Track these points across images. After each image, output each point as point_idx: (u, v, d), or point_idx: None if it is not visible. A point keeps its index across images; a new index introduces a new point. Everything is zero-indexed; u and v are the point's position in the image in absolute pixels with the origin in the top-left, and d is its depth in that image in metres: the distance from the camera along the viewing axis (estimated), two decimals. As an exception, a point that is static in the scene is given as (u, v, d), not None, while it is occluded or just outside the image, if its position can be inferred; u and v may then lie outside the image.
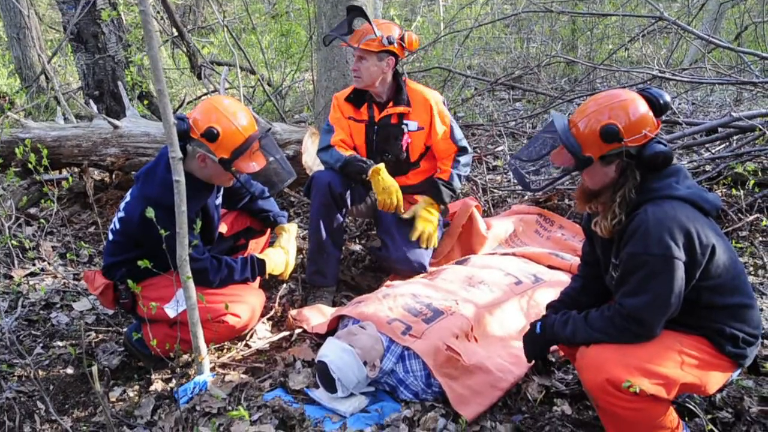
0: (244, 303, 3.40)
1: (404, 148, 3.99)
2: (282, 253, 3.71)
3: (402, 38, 3.79)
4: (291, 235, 3.85)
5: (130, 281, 2.93)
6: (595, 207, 2.54)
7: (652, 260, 2.26)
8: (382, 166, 3.84)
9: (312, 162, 4.80)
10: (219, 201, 3.53)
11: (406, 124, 3.94)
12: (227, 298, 3.30)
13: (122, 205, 3.33)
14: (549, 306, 2.91)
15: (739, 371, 2.50)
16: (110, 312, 3.93)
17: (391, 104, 3.93)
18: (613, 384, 2.31)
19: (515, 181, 2.66)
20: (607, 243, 2.54)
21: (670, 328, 2.39)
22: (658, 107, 2.40)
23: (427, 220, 3.92)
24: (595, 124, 2.35)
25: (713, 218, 2.42)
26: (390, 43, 3.74)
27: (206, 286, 3.24)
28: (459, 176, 4.03)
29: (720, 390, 2.79)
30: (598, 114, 2.36)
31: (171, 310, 3.22)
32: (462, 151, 4.06)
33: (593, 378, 2.39)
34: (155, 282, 3.15)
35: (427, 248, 3.97)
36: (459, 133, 4.06)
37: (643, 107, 2.37)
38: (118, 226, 3.31)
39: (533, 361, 2.91)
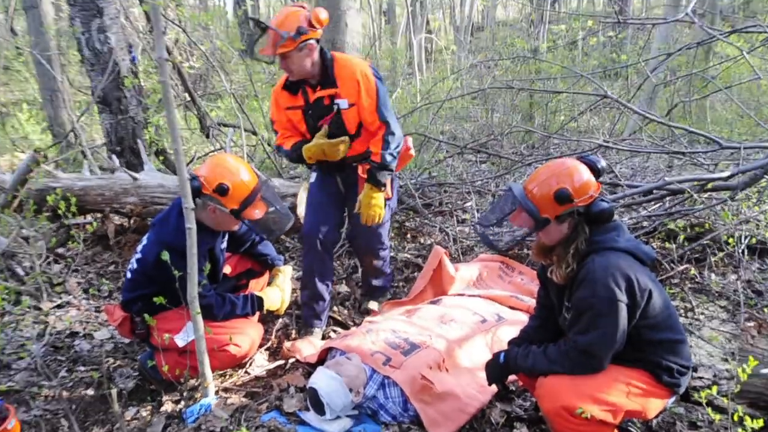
0: (245, 335, 3.42)
1: (338, 125, 3.67)
2: (278, 291, 3.73)
3: (310, 22, 3.40)
4: (286, 276, 3.87)
5: (146, 315, 2.97)
6: (550, 259, 2.62)
7: (599, 303, 2.34)
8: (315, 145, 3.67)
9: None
10: (224, 245, 3.55)
11: (338, 104, 3.61)
12: (230, 330, 3.32)
13: (139, 247, 3.35)
14: (511, 342, 2.94)
15: (673, 398, 2.57)
16: (127, 341, 3.91)
17: (319, 88, 3.60)
18: (568, 410, 2.39)
19: (483, 244, 2.77)
20: (561, 289, 2.61)
21: (616, 362, 2.45)
22: (596, 170, 2.52)
23: (368, 205, 3.72)
24: (549, 190, 2.44)
25: (649, 267, 2.51)
26: (302, 33, 3.38)
27: (211, 319, 3.25)
28: (391, 155, 3.67)
29: (657, 416, 2.83)
30: (550, 180, 2.47)
31: (181, 341, 3.22)
32: (387, 128, 3.64)
33: (550, 405, 2.45)
34: (167, 315, 3.17)
35: (375, 226, 3.86)
36: (386, 107, 3.64)
37: (585, 172, 2.49)
38: (135, 265, 3.32)
39: (493, 385, 2.93)
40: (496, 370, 2.83)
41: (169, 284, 2.95)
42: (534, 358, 2.58)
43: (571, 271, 2.48)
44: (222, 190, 3.13)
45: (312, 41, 3.45)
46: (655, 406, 2.50)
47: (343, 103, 3.59)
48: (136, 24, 8.36)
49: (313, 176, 3.98)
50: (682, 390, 2.55)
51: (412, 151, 3.98)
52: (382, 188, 3.73)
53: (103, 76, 6.44)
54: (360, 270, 4.54)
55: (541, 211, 2.46)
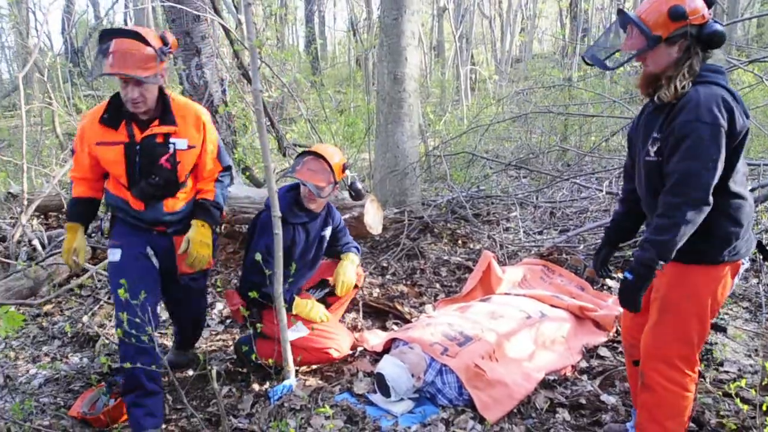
0: (344, 341, 3.47)
1: (171, 167, 2.81)
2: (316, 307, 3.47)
3: (168, 44, 2.70)
4: (347, 262, 3.60)
5: (241, 308, 3.00)
6: (656, 87, 2.21)
7: (702, 126, 1.99)
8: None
9: (372, 221, 4.86)
10: (325, 234, 3.51)
11: (174, 143, 2.78)
12: (332, 334, 3.41)
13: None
14: (607, 228, 2.65)
15: (744, 267, 2.27)
16: (220, 329, 3.99)
17: (156, 123, 2.76)
18: (668, 362, 2.23)
19: (594, 64, 2.31)
20: (650, 122, 2.23)
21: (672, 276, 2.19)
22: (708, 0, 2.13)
23: (199, 243, 2.87)
24: (663, 7, 2.08)
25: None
26: (165, 54, 2.66)
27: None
28: (224, 196, 3.04)
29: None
30: (661, 2, 2.11)
31: (291, 334, 3.25)
32: (227, 170, 3.05)
33: (651, 359, 2.28)
34: None
35: (202, 281, 3.17)
36: (224, 151, 3.03)
37: None
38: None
39: (541, 373, 2.68)
40: (631, 291, 2.17)
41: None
42: (649, 245, 2.08)
43: (684, 87, 2.09)
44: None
45: (166, 66, 2.74)
46: (729, 286, 2.23)
47: (180, 143, 2.80)
48: (225, 61, 8.55)
49: (116, 254, 2.89)
50: (746, 255, 2.20)
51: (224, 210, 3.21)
52: (214, 227, 2.97)
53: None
54: (178, 336, 3.50)
55: (653, 29, 2.09)
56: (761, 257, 2.32)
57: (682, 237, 2.02)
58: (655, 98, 2.19)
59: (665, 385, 2.25)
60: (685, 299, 2.21)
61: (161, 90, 2.77)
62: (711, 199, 2.01)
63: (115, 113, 2.74)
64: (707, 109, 1.99)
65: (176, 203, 2.89)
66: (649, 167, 2.20)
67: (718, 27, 2.07)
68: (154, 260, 2.94)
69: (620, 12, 2.24)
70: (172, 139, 2.79)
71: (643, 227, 2.59)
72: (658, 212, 2.06)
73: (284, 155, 7.90)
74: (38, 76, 9.35)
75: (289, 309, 3.27)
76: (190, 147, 2.83)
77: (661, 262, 2.06)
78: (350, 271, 3.57)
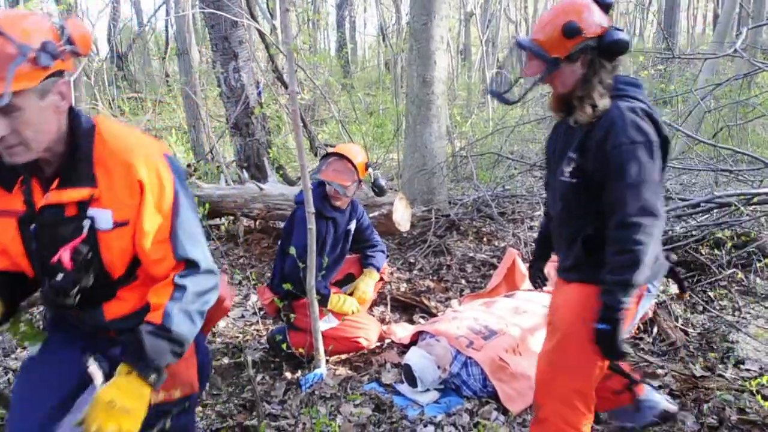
0: (372, 330, 3.49)
1: (77, 265, 1.50)
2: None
3: (69, 38, 1.37)
4: (369, 279, 3.60)
5: (276, 299, 3.04)
6: (569, 107, 1.97)
7: (638, 147, 1.77)
8: None
9: (400, 218, 4.86)
10: (350, 227, 3.52)
11: (91, 219, 1.49)
12: (361, 324, 3.44)
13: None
14: (536, 241, 2.55)
15: (651, 296, 2.02)
16: (253, 320, 4.03)
17: (57, 182, 1.48)
18: (564, 401, 1.98)
19: (497, 100, 2.09)
20: (567, 139, 1.99)
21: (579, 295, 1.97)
22: (603, 5, 1.91)
23: (114, 410, 1.39)
24: (556, 27, 1.88)
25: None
26: (55, 57, 1.32)
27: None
28: (187, 314, 1.53)
29: (707, 401, 2.69)
30: (555, 19, 1.90)
31: (322, 325, 3.27)
32: (191, 266, 1.58)
33: (547, 394, 2.06)
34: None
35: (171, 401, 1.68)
36: (191, 231, 1.59)
37: (592, 5, 1.90)
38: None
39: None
40: (609, 342, 1.81)
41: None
42: (615, 287, 1.78)
43: (604, 105, 1.85)
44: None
45: (66, 77, 1.43)
46: (632, 312, 1.92)
47: (102, 217, 1.51)
48: (260, 65, 8.66)
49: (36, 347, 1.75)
50: (654, 279, 1.94)
51: (228, 302, 1.94)
52: (150, 378, 1.47)
53: (236, 107, 6.72)
54: None
55: (550, 52, 1.89)
56: (674, 283, 2.10)
57: (644, 268, 1.78)
58: (571, 122, 1.95)
59: (561, 426, 1.98)
60: (581, 322, 1.90)
61: (74, 119, 1.50)
62: (662, 212, 1.79)
63: (10, 166, 1.46)
64: (635, 127, 1.79)
65: (122, 306, 1.66)
66: (564, 188, 1.98)
67: (620, 34, 1.87)
68: (98, 375, 1.52)
69: (516, 42, 2.03)
70: (90, 211, 1.51)
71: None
72: (614, 249, 1.80)
73: (316, 155, 7.97)
74: (86, 80, 9.54)
75: (325, 304, 3.29)
76: (117, 224, 1.53)
77: (628, 300, 1.80)
78: (369, 286, 3.58)
